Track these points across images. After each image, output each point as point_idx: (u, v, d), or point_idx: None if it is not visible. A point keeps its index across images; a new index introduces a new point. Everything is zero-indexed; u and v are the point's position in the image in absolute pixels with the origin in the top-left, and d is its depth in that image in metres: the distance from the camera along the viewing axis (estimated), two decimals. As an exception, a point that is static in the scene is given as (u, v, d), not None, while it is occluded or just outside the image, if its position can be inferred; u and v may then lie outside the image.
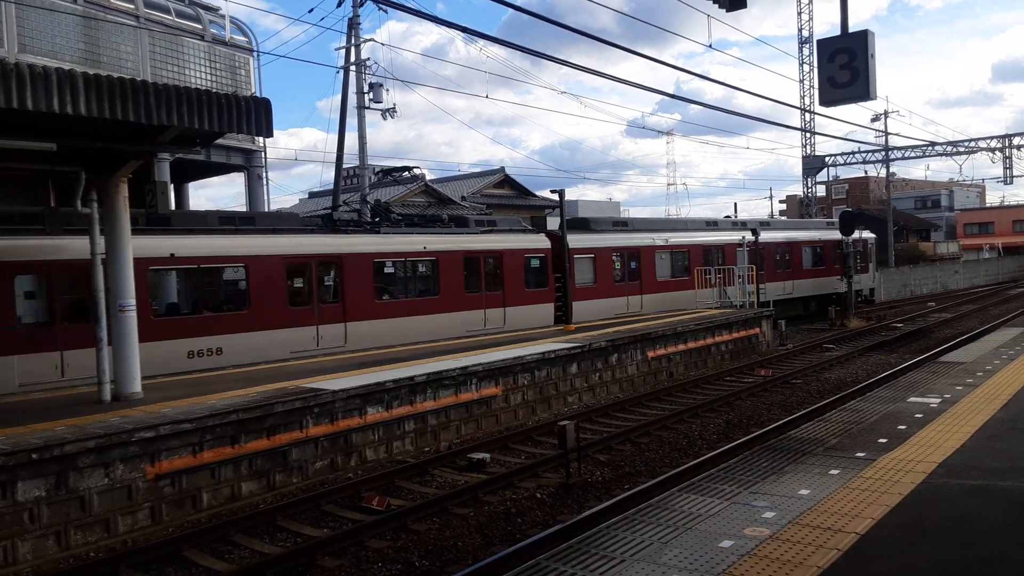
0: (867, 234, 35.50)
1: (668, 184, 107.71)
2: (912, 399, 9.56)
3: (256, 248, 15.44)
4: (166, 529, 9.02)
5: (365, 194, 25.51)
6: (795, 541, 5.05)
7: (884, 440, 7.53)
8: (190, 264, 14.60)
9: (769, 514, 5.60)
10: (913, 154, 45.83)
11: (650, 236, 24.98)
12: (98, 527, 8.61)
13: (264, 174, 24.10)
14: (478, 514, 9.25)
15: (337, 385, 11.40)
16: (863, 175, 67.61)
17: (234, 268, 15.35)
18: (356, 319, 16.85)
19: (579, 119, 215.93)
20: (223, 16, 21.92)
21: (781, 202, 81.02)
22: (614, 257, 23.48)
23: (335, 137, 26.87)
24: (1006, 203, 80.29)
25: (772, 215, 67.33)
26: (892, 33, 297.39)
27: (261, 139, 22.47)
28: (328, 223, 19.01)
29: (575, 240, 21.40)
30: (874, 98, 9.56)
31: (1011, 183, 45.44)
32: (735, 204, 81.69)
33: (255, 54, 22.58)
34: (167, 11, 20.45)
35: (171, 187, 21.14)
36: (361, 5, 24.71)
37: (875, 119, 47.18)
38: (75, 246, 12.13)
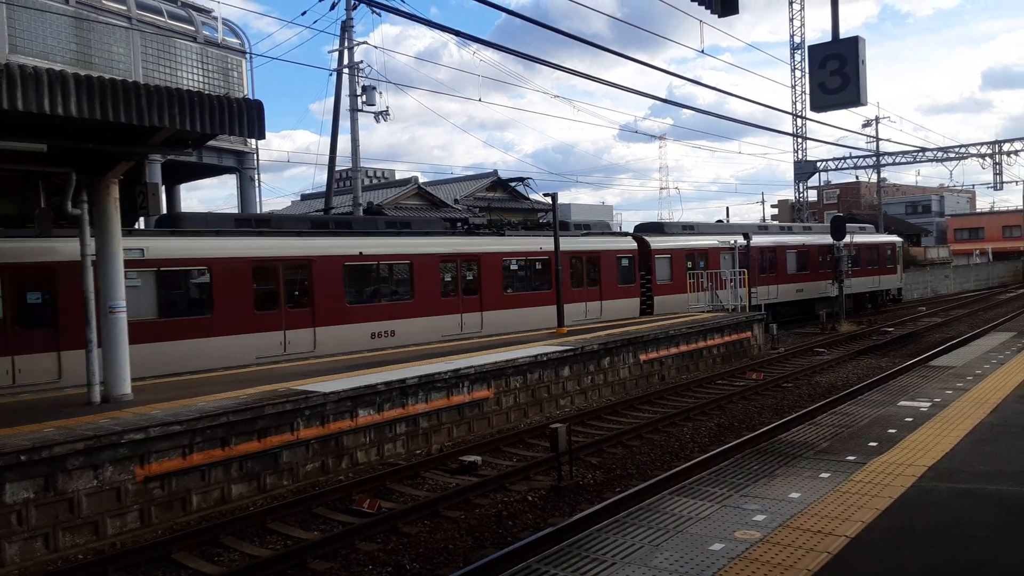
0: (895, 238, 37.87)
1: (660, 188, 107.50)
2: (902, 403, 9.58)
3: (418, 247, 18.63)
4: (155, 531, 8.96)
5: (357, 196, 25.49)
6: (785, 544, 5.06)
7: (875, 444, 7.55)
8: (372, 261, 17.74)
9: (760, 517, 5.61)
10: (904, 160, 46.11)
11: (715, 239, 27.64)
12: (87, 529, 8.55)
13: (256, 176, 24.07)
14: (469, 517, 9.23)
15: (328, 387, 11.36)
16: (854, 180, 67.90)
17: (403, 264, 18.43)
18: (489, 308, 20.01)
19: (572, 123, 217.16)
20: (216, 18, 21.88)
21: (773, 207, 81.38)
22: (685, 257, 26.30)
23: (328, 139, 26.96)
24: (996, 209, 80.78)
25: (764, 220, 67.54)
26: (883, 40, 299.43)
27: (253, 141, 22.46)
28: (464, 227, 22.55)
29: (656, 242, 25.11)
30: (865, 104, 9.62)
31: (1001, 189, 45.75)
32: (727, 209, 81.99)
33: (248, 56, 22.59)
34: (159, 12, 20.41)
35: (163, 189, 21.11)
36: (354, 8, 24.75)
37: (866, 125, 47.43)
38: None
